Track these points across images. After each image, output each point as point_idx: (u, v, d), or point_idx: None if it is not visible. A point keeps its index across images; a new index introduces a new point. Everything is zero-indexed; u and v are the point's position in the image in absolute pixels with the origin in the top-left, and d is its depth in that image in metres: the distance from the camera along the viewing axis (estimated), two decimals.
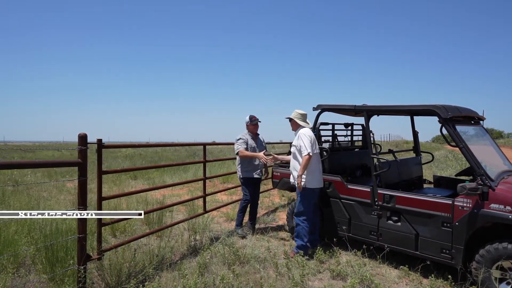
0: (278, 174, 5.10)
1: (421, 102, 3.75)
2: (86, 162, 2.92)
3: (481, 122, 4.36)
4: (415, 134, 5.13)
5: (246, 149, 4.81)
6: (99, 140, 3.11)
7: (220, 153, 20.72)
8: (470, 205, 3.24)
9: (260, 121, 5.03)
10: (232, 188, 7.15)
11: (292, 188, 5.15)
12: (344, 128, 5.31)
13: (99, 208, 3.17)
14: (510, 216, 2.99)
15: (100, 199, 3.16)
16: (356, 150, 5.66)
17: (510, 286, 3.04)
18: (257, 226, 5.50)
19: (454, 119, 3.58)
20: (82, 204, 2.87)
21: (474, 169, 3.29)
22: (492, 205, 3.11)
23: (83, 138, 2.88)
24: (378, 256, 3.88)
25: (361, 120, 5.17)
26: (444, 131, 3.61)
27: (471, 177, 4.01)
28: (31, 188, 8.45)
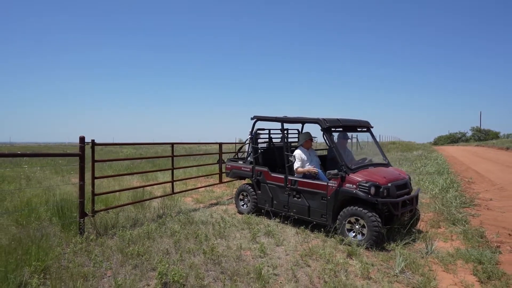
0: (230, 166, 6.81)
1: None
2: (84, 154, 4.65)
3: (371, 129, 6.02)
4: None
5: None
6: (93, 140, 4.87)
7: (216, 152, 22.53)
8: (336, 185, 4.92)
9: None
10: (199, 177, 9.01)
11: (240, 177, 6.86)
12: (280, 132, 7.00)
13: (93, 184, 4.92)
14: (354, 191, 4.68)
15: (93, 178, 4.91)
16: (292, 148, 7.35)
17: (354, 234, 4.72)
18: (216, 207, 7.20)
19: (333, 127, 5.26)
20: (82, 179, 4.60)
21: (338, 161, 4.96)
22: (347, 185, 4.80)
23: (82, 139, 4.61)
24: (287, 222, 5.57)
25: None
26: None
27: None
28: (40, 182, 10.29)
